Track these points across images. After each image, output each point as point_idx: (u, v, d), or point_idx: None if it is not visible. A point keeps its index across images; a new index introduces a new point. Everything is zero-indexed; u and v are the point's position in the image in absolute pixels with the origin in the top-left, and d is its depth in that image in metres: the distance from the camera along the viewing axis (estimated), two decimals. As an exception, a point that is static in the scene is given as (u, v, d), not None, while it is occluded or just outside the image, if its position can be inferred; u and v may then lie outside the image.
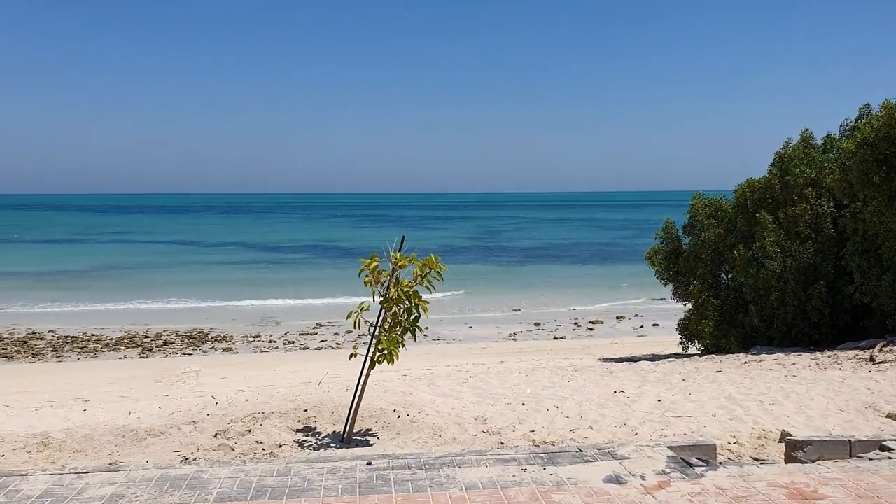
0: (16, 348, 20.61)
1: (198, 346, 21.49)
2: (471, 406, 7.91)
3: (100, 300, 30.18)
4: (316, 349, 21.41)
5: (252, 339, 22.62)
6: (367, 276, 5.95)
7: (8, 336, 22.26)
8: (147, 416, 7.35)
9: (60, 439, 6.20)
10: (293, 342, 22.32)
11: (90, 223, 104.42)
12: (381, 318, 6.03)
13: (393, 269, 5.92)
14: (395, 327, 5.94)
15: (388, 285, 5.91)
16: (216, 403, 7.81)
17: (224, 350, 21.09)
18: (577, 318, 26.98)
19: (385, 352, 5.80)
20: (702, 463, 4.96)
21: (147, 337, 22.62)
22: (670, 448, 5.27)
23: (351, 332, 23.81)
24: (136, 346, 21.25)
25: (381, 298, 5.95)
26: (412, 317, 5.94)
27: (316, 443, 6.10)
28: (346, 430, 6.10)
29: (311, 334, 23.58)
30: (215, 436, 6.20)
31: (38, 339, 22.06)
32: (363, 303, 6.01)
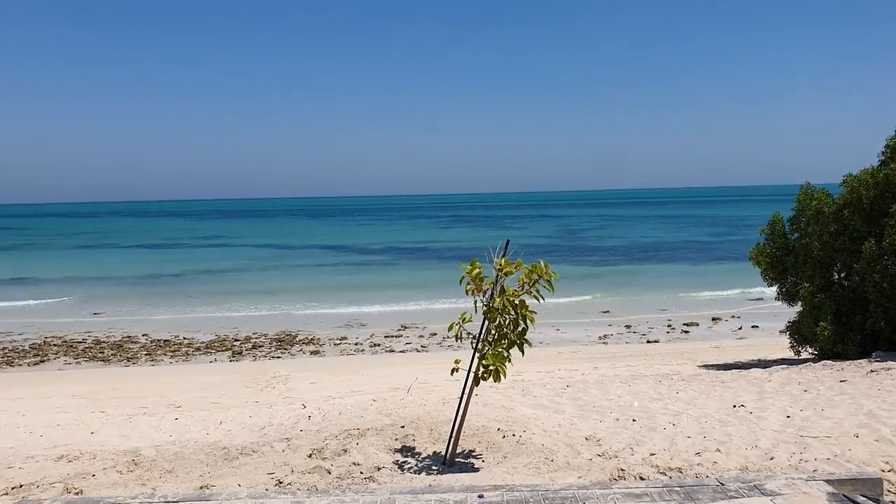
0: (112, 352, 21.17)
1: (286, 349, 21.54)
2: (576, 422, 7.28)
3: (192, 304, 30.92)
4: (402, 352, 21.12)
5: (339, 342, 22.55)
6: (468, 283, 5.40)
7: (105, 340, 22.93)
8: (238, 428, 7.08)
9: (151, 457, 5.95)
10: (379, 345, 22.11)
11: (184, 228, 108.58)
12: (484, 330, 5.47)
13: (497, 275, 5.36)
14: (501, 340, 5.37)
15: (492, 294, 5.35)
16: (309, 417, 7.46)
17: (312, 353, 21.07)
18: (670, 321, 25.75)
19: (491, 368, 5.23)
20: (871, 503, 4.19)
21: (236, 340, 22.86)
22: (828, 482, 4.51)
23: (435, 334, 23.54)
24: (225, 350, 21.47)
25: (485, 308, 5.39)
26: (519, 328, 5.36)
27: (416, 465, 5.62)
28: (449, 451, 5.59)
29: (396, 336, 23.32)
30: (310, 456, 5.81)
31: (132, 342, 22.63)
32: (464, 313, 5.46)
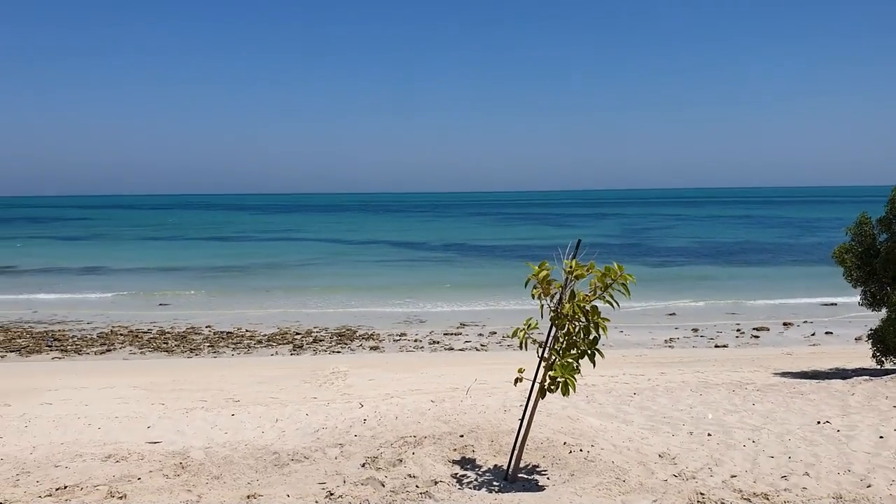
0: (175, 343, 21.52)
1: (346, 344, 21.50)
2: (647, 435, 6.79)
3: (255, 297, 31.32)
4: (461, 350, 20.81)
5: (398, 338, 22.40)
6: (535, 286, 5.00)
7: (169, 330, 23.35)
8: (293, 429, 6.85)
9: (199, 461, 5.77)
10: (438, 342, 21.86)
11: (251, 222, 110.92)
12: (551, 338, 5.06)
13: (566, 278, 4.95)
14: (570, 349, 4.95)
15: (561, 298, 4.94)
16: (364, 420, 7.18)
17: (371, 348, 20.96)
18: (739, 325, 24.71)
19: (560, 380, 4.81)
20: None
21: (298, 334, 22.96)
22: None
23: (495, 333, 23.15)
24: (287, 343, 21.57)
25: (553, 314, 4.98)
26: (591, 337, 4.93)
27: (476, 479, 5.26)
28: (511, 466, 5.21)
29: (455, 334, 23.02)
30: (363, 465, 5.52)
31: (196, 333, 22.97)
32: (530, 318, 5.05)
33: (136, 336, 22.31)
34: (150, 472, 5.41)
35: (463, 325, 24.50)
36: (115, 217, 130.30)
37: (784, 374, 15.08)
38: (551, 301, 5.04)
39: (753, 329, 23.89)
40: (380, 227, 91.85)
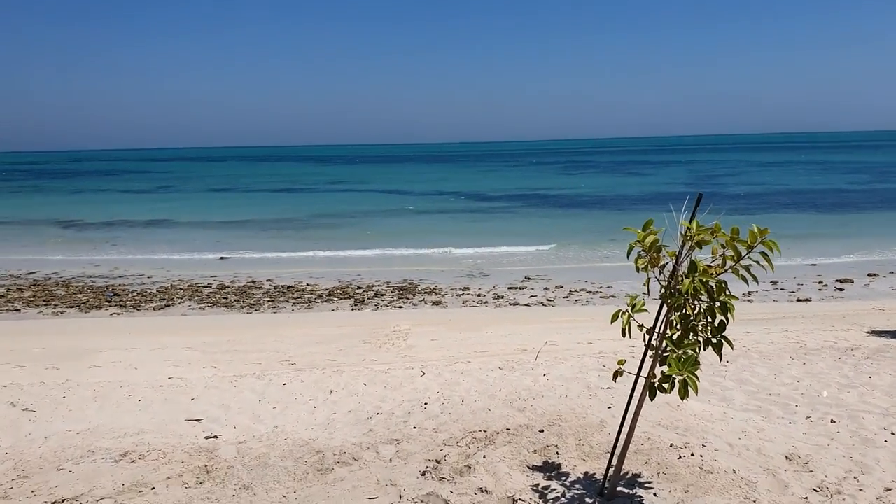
0: (235, 297, 21.13)
1: (408, 299, 20.74)
2: (761, 424, 5.65)
3: (317, 249, 30.88)
4: (526, 305, 19.78)
5: (461, 293, 21.51)
6: (640, 254, 3.88)
7: (230, 285, 23.00)
8: (344, 411, 5.99)
9: (228, 462, 4.93)
10: (502, 297, 20.87)
11: (311, 173, 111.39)
12: (662, 321, 3.95)
13: (683, 244, 3.81)
14: (689, 336, 3.83)
15: (675, 270, 3.81)
16: (425, 406, 6.25)
17: (434, 303, 20.14)
18: (819, 276, 22.94)
19: (678, 379, 3.71)
20: None
21: (359, 288, 22.32)
22: None
23: (561, 287, 21.96)
24: (348, 298, 20.95)
25: (665, 291, 3.86)
26: (716, 321, 3.80)
27: (564, 495, 4.25)
28: (609, 479, 4.20)
29: (519, 288, 21.98)
30: (423, 473, 4.57)
31: (256, 287, 22.56)
32: (636, 297, 3.92)
33: (196, 291, 22.03)
34: (168, 478, 4.59)
35: (528, 278, 23.44)
36: (179, 170, 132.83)
37: (883, 334, 13.58)
38: (662, 274, 3.91)
39: (836, 281, 22.14)
40: (441, 178, 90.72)
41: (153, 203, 57.64)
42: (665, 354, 3.82)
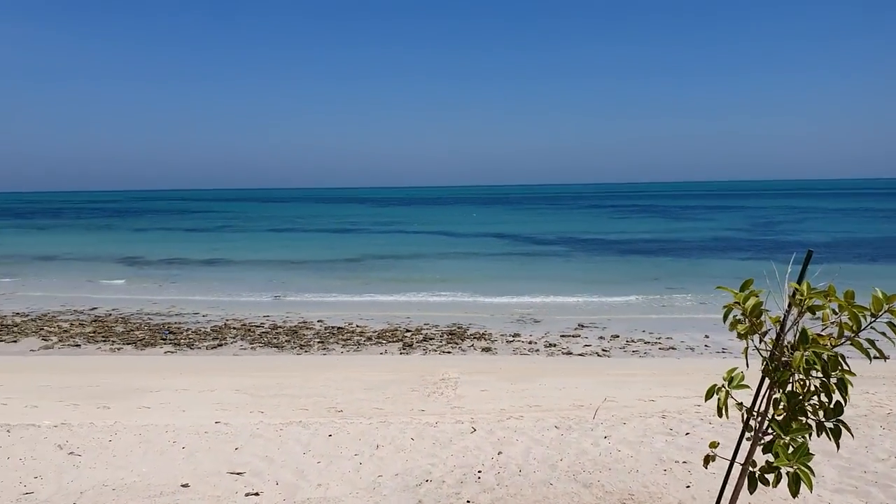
0: (286, 338, 21.04)
1: (457, 344, 20.30)
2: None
3: (367, 290, 30.79)
4: (580, 355, 19.11)
5: (511, 339, 20.97)
6: (738, 317, 3.41)
7: (281, 325, 22.97)
8: (391, 474, 5.57)
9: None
10: (554, 345, 20.24)
11: (365, 214, 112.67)
12: (765, 398, 3.45)
13: (789, 309, 3.33)
14: (798, 419, 3.31)
15: (780, 339, 3.33)
16: (479, 476, 5.80)
17: (483, 349, 19.65)
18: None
19: (787, 471, 3.19)
20: None
21: (408, 331, 22.00)
22: None
23: (617, 336, 21.21)
24: (396, 341, 20.65)
25: (768, 363, 3.37)
26: (832, 403, 3.29)
27: None
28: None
29: (573, 337, 21.31)
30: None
31: (307, 328, 22.46)
32: (733, 370, 3.43)
33: (249, 330, 22.05)
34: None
35: (581, 326, 22.76)
36: (239, 210, 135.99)
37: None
38: (763, 342, 3.43)
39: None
40: (489, 220, 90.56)
41: (213, 242, 58.83)
42: (767, 438, 3.33)
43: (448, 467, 6.15)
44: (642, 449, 7.24)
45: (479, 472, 5.95)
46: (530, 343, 20.53)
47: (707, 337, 20.85)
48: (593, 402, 11.77)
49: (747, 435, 3.50)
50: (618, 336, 21.25)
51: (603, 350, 19.67)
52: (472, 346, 20.17)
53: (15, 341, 20.40)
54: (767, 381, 3.43)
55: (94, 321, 23.36)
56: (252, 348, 19.82)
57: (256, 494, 5.66)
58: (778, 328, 3.33)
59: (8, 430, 8.12)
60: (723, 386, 3.37)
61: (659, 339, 20.83)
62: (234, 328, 22.36)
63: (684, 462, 6.25)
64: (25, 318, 23.78)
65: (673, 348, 19.75)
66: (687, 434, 8.01)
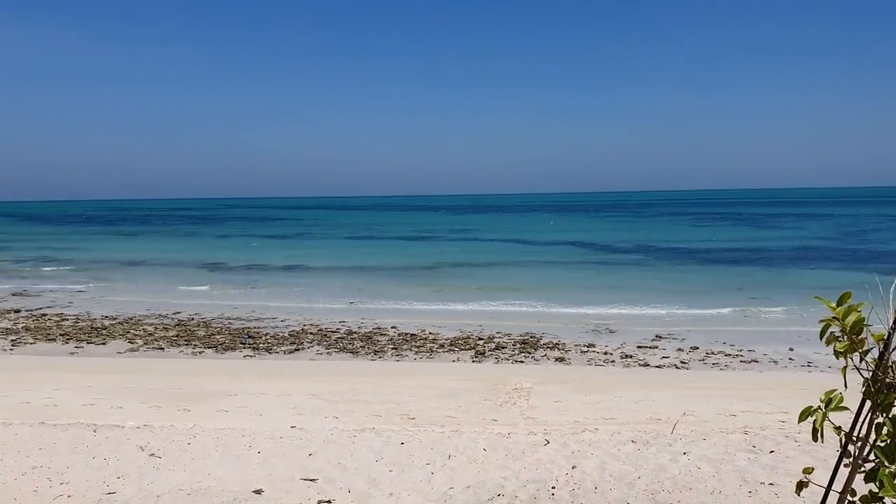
0: (361, 344, 21.29)
1: (529, 353, 20.09)
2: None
3: (440, 298, 30.89)
4: (657, 367, 18.58)
5: (586, 349, 20.58)
6: (836, 334, 3.17)
7: (356, 330, 23.26)
8: (462, 486, 5.49)
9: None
10: (630, 356, 19.75)
11: (438, 222, 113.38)
12: (864, 421, 3.20)
13: (895, 326, 3.08)
14: (903, 447, 3.04)
15: (885, 359, 3.07)
16: (552, 492, 5.64)
17: (556, 359, 19.37)
18: None
19: (894, 503, 2.95)
20: None
21: (480, 339, 21.92)
22: None
23: (696, 348, 20.51)
24: (469, 349, 20.59)
25: (870, 384, 3.13)
26: (942, 430, 3.00)
27: None
28: None
29: (650, 348, 20.75)
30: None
31: (381, 334, 22.67)
32: (833, 392, 3.20)
33: (325, 335, 22.43)
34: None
35: (659, 337, 22.14)
36: (317, 217, 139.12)
37: None
38: (864, 362, 3.18)
39: None
40: (566, 228, 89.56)
41: (291, 249, 60.30)
42: (869, 466, 3.07)
43: (521, 481, 6.02)
44: (724, 467, 6.92)
45: (553, 487, 5.80)
46: (605, 354, 20.11)
47: (791, 350, 19.96)
48: (671, 415, 11.38)
49: (845, 461, 3.24)
50: (697, 348, 20.58)
51: (681, 362, 19.07)
52: (545, 355, 19.91)
53: (104, 343, 21.37)
54: (868, 403, 3.17)
55: (178, 325, 24.25)
56: (328, 353, 20.14)
57: (329, 502, 5.68)
58: (881, 346, 3.07)
59: (94, 430, 8.45)
60: (819, 407, 3.12)
61: (740, 351, 20.07)
62: (311, 333, 22.78)
63: (770, 484, 5.92)
64: (113, 322, 24.89)
65: (755, 361, 18.99)
66: (771, 452, 7.62)
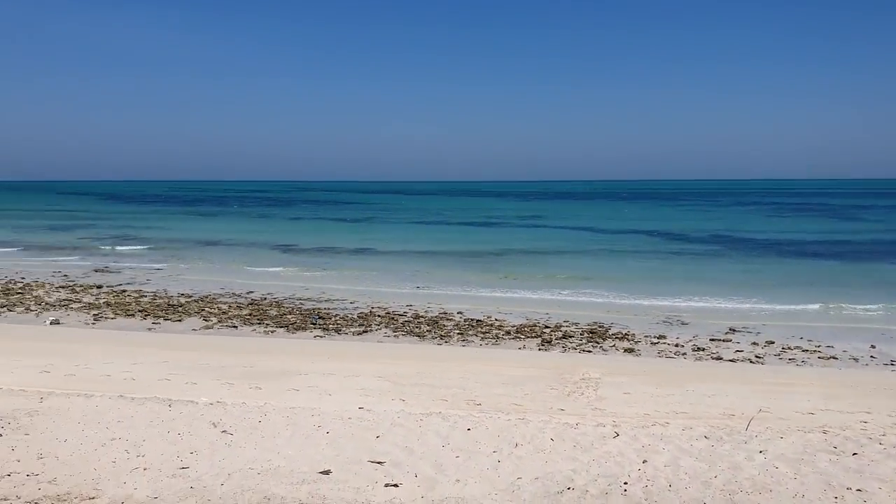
0: (427, 328, 21.40)
1: (597, 343, 19.78)
2: None
3: (507, 284, 30.76)
4: (731, 361, 18.04)
5: (656, 341, 20.13)
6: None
7: (423, 314, 23.41)
8: (530, 478, 5.42)
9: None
10: (703, 349, 19.22)
11: (506, 208, 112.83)
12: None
13: None
14: None
15: None
16: (624, 489, 5.50)
17: (625, 350, 19.03)
18: None
19: None
20: None
21: (546, 327, 21.72)
22: None
23: (772, 342, 19.78)
24: (535, 337, 20.44)
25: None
26: None
27: None
28: None
29: (723, 341, 20.15)
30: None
31: (447, 319, 22.74)
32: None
33: (392, 318, 22.66)
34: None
35: (733, 330, 21.47)
36: (386, 202, 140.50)
37: None
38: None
39: None
40: (634, 216, 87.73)
41: (361, 233, 61.08)
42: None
43: (591, 475, 5.91)
44: (803, 468, 6.63)
45: (625, 483, 5.66)
46: (677, 346, 19.64)
47: (873, 347, 19.08)
48: (746, 411, 11.02)
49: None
50: (773, 342, 19.87)
51: (756, 357, 18.47)
52: (614, 346, 19.58)
53: (180, 320, 22.16)
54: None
55: (251, 304, 24.93)
56: (395, 336, 20.34)
57: (396, 486, 5.71)
58: None
59: (169, 405, 8.76)
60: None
61: (818, 347, 19.28)
62: (379, 316, 23.05)
63: (858, 490, 5.62)
64: (189, 299, 25.77)
65: (834, 357, 18.22)
66: (854, 454, 7.26)
